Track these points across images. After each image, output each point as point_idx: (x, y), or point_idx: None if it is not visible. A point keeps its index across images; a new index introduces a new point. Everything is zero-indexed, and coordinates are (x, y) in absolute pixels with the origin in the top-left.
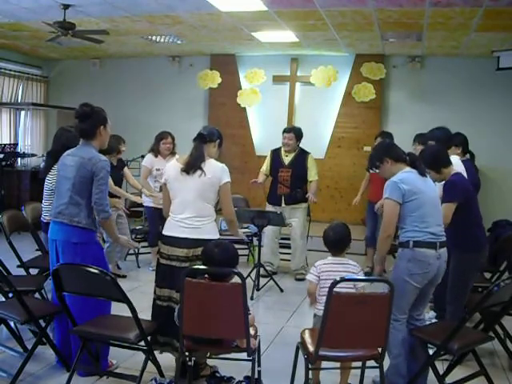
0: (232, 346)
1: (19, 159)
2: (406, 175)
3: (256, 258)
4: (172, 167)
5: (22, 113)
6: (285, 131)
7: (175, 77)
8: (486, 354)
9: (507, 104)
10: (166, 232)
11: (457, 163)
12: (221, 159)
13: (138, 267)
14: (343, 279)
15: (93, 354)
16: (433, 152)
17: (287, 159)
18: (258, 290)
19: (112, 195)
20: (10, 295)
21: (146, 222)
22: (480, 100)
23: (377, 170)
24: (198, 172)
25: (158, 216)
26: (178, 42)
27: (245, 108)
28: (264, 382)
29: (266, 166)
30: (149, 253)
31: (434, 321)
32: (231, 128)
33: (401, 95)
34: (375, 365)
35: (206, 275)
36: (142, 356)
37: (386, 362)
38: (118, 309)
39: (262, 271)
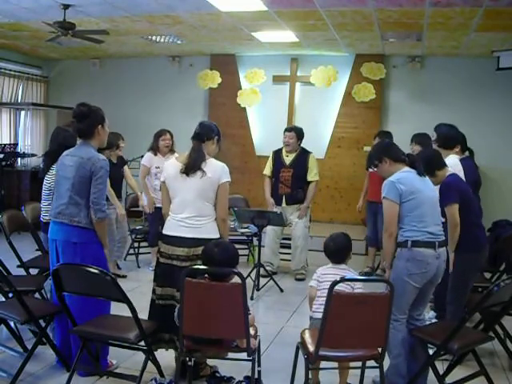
0: (232, 346)
1: (19, 159)
2: (403, 175)
3: (256, 258)
4: (171, 166)
5: (22, 113)
6: (286, 130)
7: (175, 77)
8: (486, 354)
9: (507, 104)
10: (166, 231)
11: (455, 163)
12: (221, 159)
13: (138, 267)
14: (343, 279)
15: (93, 354)
16: (426, 156)
17: (288, 159)
18: (258, 289)
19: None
20: (10, 295)
21: (145, 222)
22: (480, 100)
23: (375, 169)
24: (199, 173)
25: (158, 216)
26: (178, 41)
27: (245, 108)
28: (264, 382)
29: (269, 168)
30: (149, 253)
31: (433, 321)
32: (231, 128)
33: (401, 95)
34: (375, 365)
35: (206, 275)
36: (141, 356)
37: (386, 362)
38: (118, 309)
39: (262, 271)
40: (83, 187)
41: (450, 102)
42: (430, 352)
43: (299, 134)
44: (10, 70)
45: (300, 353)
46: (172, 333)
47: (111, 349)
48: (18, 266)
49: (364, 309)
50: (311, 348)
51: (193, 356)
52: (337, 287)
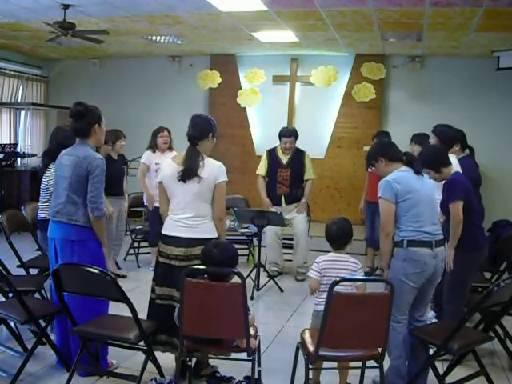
0: (232, 345)
1: (19, 159)
2: (399, 174)
3: (256, 258)
4: (168, 167)
5: (22, 113)
6: (284, 136)
7: (175, 77)
8: (486, 354)
9: (507, 104)
10: (164, 231)
11: (454, 163)
12: (221, 159)
13: (138, 267)
14: (343, 279)
15: (93, 353)
16: (432, 152)
17: (285, 159)
18: (258, 289)
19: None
20: (10, 295)
21: (145, 221)
22: (480, 100)
23: (373, 169)
24: (196, 178)
25: (158, 215)
26: (178, 41)
27: (245, 108)
28: (264, 382)
29: (264, 168)
30: (149, 253)
31: (434, 321)
32: (231, 128)
33: (401, 95)
34: (375, 365)
35: (206, 275)
36: (141, 356)
37: (386, 363)
38: (118, 309)
39: (261, 271)
40: (80, 186)
41: (450, 102)
42: (430, 352)
43: (296, 136)
44: (10, 70)
45: (300, 353)
46: (169, 334)
47: (111, 349)
48: (18, 266)
49: (364, 309)
50: (311, 348)
51: (193, 356)
52: (339, 273)
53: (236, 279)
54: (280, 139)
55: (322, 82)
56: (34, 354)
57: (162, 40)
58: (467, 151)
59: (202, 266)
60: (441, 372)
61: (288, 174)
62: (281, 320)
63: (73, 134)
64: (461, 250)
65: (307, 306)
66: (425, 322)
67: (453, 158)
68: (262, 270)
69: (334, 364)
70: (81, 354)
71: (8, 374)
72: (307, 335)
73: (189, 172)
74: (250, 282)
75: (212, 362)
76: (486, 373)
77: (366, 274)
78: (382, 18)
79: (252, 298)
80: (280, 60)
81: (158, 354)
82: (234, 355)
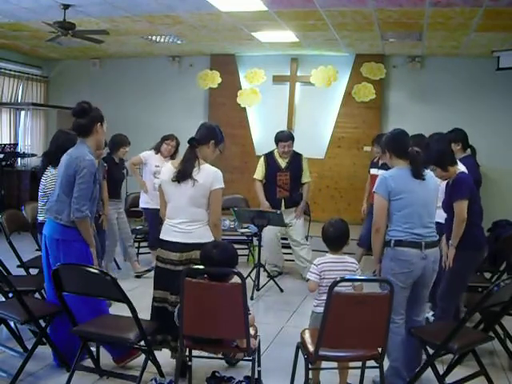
0: (232, 345)
1: (19, 159)
2: (397, 172)
3: (256, 258)
4: (167, 171)
5: (22, 113)
6: (281, 140)
7: (175, 77)
8: (486, 354)
9: (507, 104)
10: (162, 236)
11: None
12: (221, 159)
13: None
14: (343, 279)
15: (93, 353)
16: (439, 150)
17: (284, 163)
18: (257, 290)
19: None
20: (10, 295)
21: (145, 221)
22: (480, 100)
23: (380, 171)
24: (190, 181)
25: (158, 217)
26: (178, 41)
27: (245, 108)
28: (264, 382)
29: (261, 173)
30: (149, 253)
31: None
32: (231, 128)
33: (401, 95)
34: (375, 365)
35: (206, 275)
36: (142, 356)
37: (386, 362)
38: (118, 309)
39: (261, 271)
40: (69, 186)
41: (450, 102)
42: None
43: (293, 139)
44: (10, 70)
45: (300, 353)
46: (166, 333)
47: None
48: (18, 266)
49: (364, 309)
50: (311, 348)
51: (193, 356)
52: (339, 274)
53: (236, 279)
54: (277, 144)
55: (322, 82)
56: (34, 354)
57: (162, 40)
58: (468, 151)
59: (201, 266)
60: (441, 372)
61: (288, 177)
62: (281, 320)
63: (74, 131)
64: (460, 249)
65: (307, 306)
66: (421, 322)
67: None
68: (261, 269)
69: (334, 364)
70: (81, 353)
71: (8, 374)
72: (307, 335)
73: (183, 173)
74: (250, 282)
75: (213, 362)
76: (486, 373)
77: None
78: (382, 18)
79: (252, 298)
80: (280, 60)
81: (158, 354)
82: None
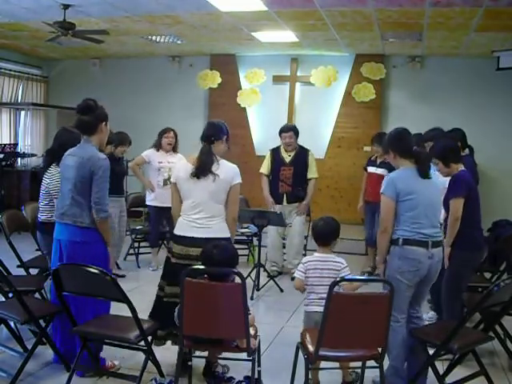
0: (232, 345)
1: (19, 159)
2: (404, 173)
3: (256, 258)
4: (183, 168)
5: (22, 113)
6: (283, 131)
7: (175, 77)
8: (486, 354)
9: (507, 104)
10: (178, 232)
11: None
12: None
13: (138, 267)
14: (343, 279)
15: (93, 353)
16: (446, 145)
17: (288, 157)
18: (258, 289)
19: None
20: (10, 295)
21: (145, 221)
22: (480, 100)
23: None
24: (210, 176)
25: (161, 215)
26: (178, 42)
27: (245, 108)
28: (264, 382)
29: (267, 167)
30: (149, 253)
31: (434, 321)
32: (231, 128)
33: (401, 95)
34: (375, 365)
35: (206, 275)
36: (142, 356)
37: (386, 363)
38: (118, 309)
39: (261, 271)
40: (84, 187)
41: (450, 102)
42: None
43: (296, 132)
44: (10, 70)
45: (300, 353)
46: (167, 329)
47: (111, 349)
48: (18, 266)
49: (364, 309)
50: (311, 348)
51: (193, 356)
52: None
53: (236, 279)
54: (280, 136)
55: (322, 82)
56: (34, 354)
57: (162, 40)
58: (467, 150)
59: (201, 266)
60: (441, 372)
61: (291, 172)
62: (281, 320)
63: (78, 128)
64: (459, 249)
65: None
66: (421, 319)
67: None
68: (262, 269)
69: (334, 364)
70: (80, 354)
71: (8, 374)
72: (307, 335)
73: (203, 168)
74: (249, 282)
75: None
76: (486, 373)
77: (368, 273)
78: (382, 18)
79: (252, 298)
80: (280, 60)
81: (158, 354)
82: (234, 355)
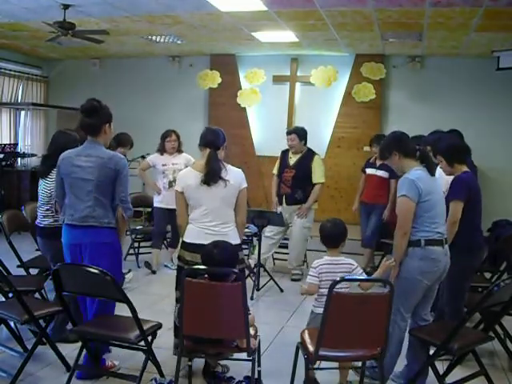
0: (232, 346)
1: (19, 159)
2: (419, 173)
3: (256, 258)
4: (190, 176)
5: (22, 113)
6: (287, 134)
7: (175, 77)
8: (486, 354)
9: (507, 104)
10: (189, 240)
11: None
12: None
13: (138, 267)
14: (343, 279)
15: (93, 353)
16: (452, 144)
17: (292, 160)
18: (258, 290)
19: None
20: (10, 295)
21: (145, 221)
22: (480, 100)
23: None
24: (221, 182)
25: (166, 217)
26: (178, 42)
27: (245, 108)
28: (264, 382)
29: (277, 167)
30: (149, 253)
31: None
32: (231, 128)
33: (401, 95)
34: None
35: (206, 275)
36: (142, 356)
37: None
38: (118, 309)
39: (261, 271)
40: (107, 187)
41: (450, 102)
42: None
43: (300, 134)
44: (10, 70)
45: (300, 353)
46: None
47: (111, 349)
48: (18, 266)
49: (364, 309)
50: (311, 348)
51: (193, 356)
52: (336, 276)
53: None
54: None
55: (322, 82)
56: (34, 354)
57: (162, 40)
58: None
59: (202, 266)
60: (441, 372)
61: (291, 175)
62: (281, 320)
63: (83, 130)
64: (458, 251)
65: (307, 306)
66: (428, 322)
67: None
68: (261, 270)
69: (334, 364)
70: (80, 353)
71: (8, 374)
72: (307, 335)
73: (213, 174)
74: (250, 282)
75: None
76: (486, 373)
77: (368, 273)
78: (382, 18)
79: (252, 298)
80: (280, 60)
81: (158, 354)
82: (233, 355)
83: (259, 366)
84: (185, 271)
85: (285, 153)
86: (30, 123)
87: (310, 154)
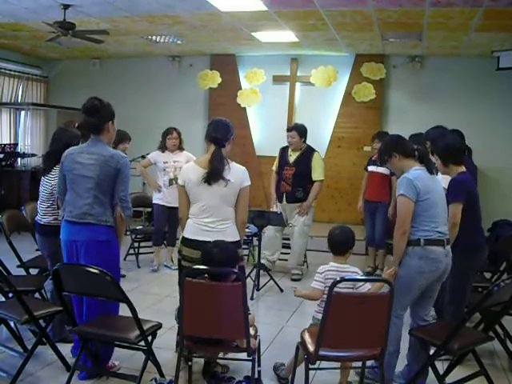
0: (232, 345)
1: (19, 159)
2: (418, 173)
3: (256, 258)
4: (192, 171)
5: (22, 113)
6: (287, 130)
7: (175, 77)
8: (486, 354)
9: (507, 104)
10: (188, 235)
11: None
12: None
13: (138, 267)
14: (343, 279)
15: (92, 353)
16: (449, 144)
17: (292, 157)
18: (258, 290)
19: None
20: (10, 295)
21: (145, 221)
22: (480, 100)
23: (379, 169)
24: (222, 181)
25: (166, 215)
26: (178, 42)
27: (245, 108)
28: (264, 382)
29: (276, 164)
30: (149, 253)
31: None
32: None
33: (401, 95)
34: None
35: (206, 275)
36: (142, 356)
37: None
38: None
39: (261, 271)
40: (108, 186)
41: (450, 102)
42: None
43: (300, 131)
44: (10, 70)
45: (300, 353)
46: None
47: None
48: (18, 266)
49: (364, 309)
50: (311, 348)
51: (193, 356)
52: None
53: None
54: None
55: (322, 82)
56: (34, 354)
57: (162, 40)
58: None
59: (202, 266)
60: (441, 372)
61: (292, 172)
62: (281, 320)
63: (85, 129)
64: (460, 251)
65: (307, 306)
66: (429, 322)
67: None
68: (261, 270)
69: (334, 364)
70: (80, 354)
71: (8, 374)
72: (307, 335)
73: (215, 174)
74: (250, 282)
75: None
76: (486, 373)
77: (368, 273)
78: (382, 18)
79: (252, 298)
80: (280, 60)
81: (158, 354)
82: (234, 355)
83: (259, 366)
84: (185, 271)
85: (284, 150)
86: (30, 123)
87: (309, 151)
